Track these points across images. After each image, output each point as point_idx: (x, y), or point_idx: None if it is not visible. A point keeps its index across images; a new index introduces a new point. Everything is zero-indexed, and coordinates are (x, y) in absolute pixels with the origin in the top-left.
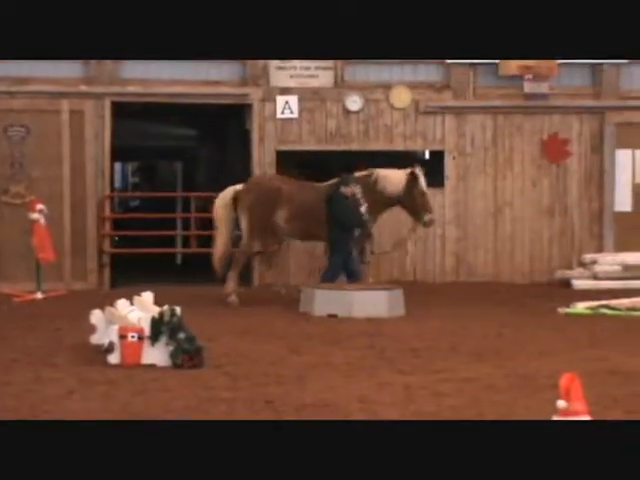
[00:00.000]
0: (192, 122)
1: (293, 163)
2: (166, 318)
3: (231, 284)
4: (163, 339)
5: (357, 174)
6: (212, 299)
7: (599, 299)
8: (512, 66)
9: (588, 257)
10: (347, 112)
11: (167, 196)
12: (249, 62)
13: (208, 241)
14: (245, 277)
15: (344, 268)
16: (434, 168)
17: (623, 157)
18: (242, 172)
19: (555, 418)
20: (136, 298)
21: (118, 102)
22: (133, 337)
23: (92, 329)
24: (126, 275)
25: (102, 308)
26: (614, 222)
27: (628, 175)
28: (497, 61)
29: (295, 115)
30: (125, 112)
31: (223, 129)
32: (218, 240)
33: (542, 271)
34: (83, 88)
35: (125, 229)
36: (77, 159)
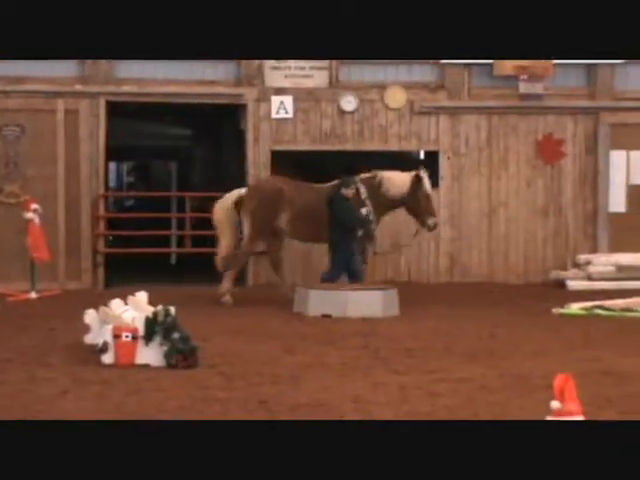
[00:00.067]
0: (187, 122)
1: (288, 163)
2: (160, 318)
3: (226, 284)
4: (157, 339)
5: (361, 176)
6: (206, 299)
7: (593, 300)
8: (507, 66)
9: (582, 258)
10: (342, 112)
11: (162, 196)
12: (244, 62)
13: (203, 241)
14: (239, 277)
15: (346, 269)
16: (429, 168)
17: (617, 158)
18: (237, 172)
19: (549, 418)
20: (130, 298)
21: (113, 101)
22: (127, 337)
23: (86, 329)
24: (120, 275)
25: (96, 308)
26: (608, 223)
27: (622, 176)
28: (492, 61)
29: (290, 115)
30: (120, 112)
31: (218, 129)
32: (222, 242)
33: (536, 271)
34: (78, 87)
35: (120, 229)
36: (72, 158)
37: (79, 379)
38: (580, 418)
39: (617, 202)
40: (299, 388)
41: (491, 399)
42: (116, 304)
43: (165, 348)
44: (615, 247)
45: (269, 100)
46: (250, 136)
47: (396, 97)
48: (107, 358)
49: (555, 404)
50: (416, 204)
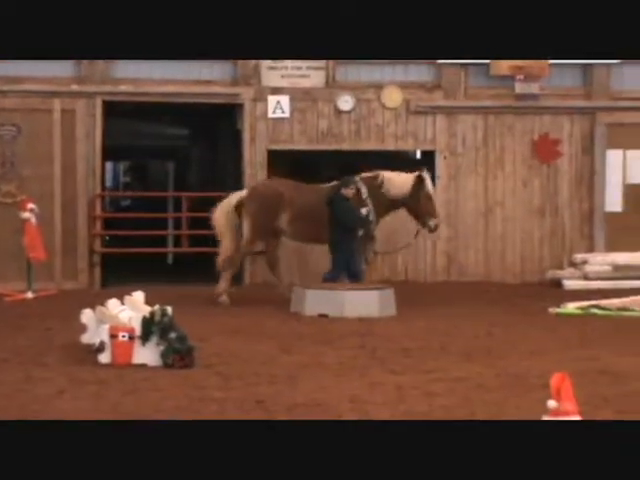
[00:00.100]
0: (184, 122)
1: (285, 163)
2: (157, 318)
3: (223, 284)
4: (154, 339)
5: (362, 175)
6: (203, 299)
7: (590, 299)
8: (503, 66)
9: (579, 257)
10: (338, 112)
11: (158, 196)
12: (241, 62)
13: (199, 241)
14: (236, 276)
15: (346, 269)
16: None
17: (614, 157)
18: (234, 172)
19: (545, 418)
20: (127, 298)
21: (110, 101)
22: (124, 337)
23: (83, 329)
24: (117, 275)
25: (93, 307)
26: (605, 222)
27: (619, 176)
28: (488, 61)
29: (286, 115)
30: (117, 111)
31: (215, 129)
32: (223, 243)
33: (533, 271)
34: (75, 87)
35: (116, 228)
36: (68, 158)
37: (76, 379)
38: (576, 417)
39: (613, 202)
40: (296, 388)
41: (488, 398)
42: (113, 304)
43: (162, 348)
44: (611, 247)
45: (266, 100)
46: (247, 136)
47: (393, 97)
48: (104, 358)
49: (552, 403)
50: (417, 205)
